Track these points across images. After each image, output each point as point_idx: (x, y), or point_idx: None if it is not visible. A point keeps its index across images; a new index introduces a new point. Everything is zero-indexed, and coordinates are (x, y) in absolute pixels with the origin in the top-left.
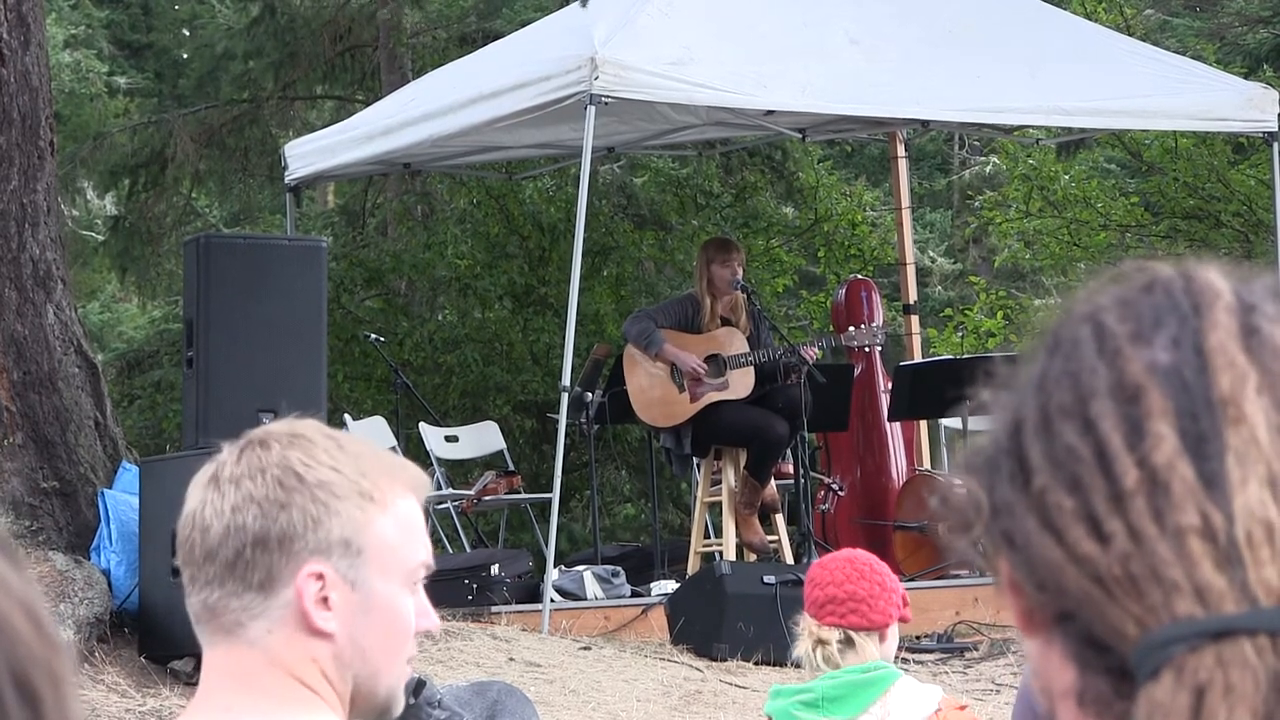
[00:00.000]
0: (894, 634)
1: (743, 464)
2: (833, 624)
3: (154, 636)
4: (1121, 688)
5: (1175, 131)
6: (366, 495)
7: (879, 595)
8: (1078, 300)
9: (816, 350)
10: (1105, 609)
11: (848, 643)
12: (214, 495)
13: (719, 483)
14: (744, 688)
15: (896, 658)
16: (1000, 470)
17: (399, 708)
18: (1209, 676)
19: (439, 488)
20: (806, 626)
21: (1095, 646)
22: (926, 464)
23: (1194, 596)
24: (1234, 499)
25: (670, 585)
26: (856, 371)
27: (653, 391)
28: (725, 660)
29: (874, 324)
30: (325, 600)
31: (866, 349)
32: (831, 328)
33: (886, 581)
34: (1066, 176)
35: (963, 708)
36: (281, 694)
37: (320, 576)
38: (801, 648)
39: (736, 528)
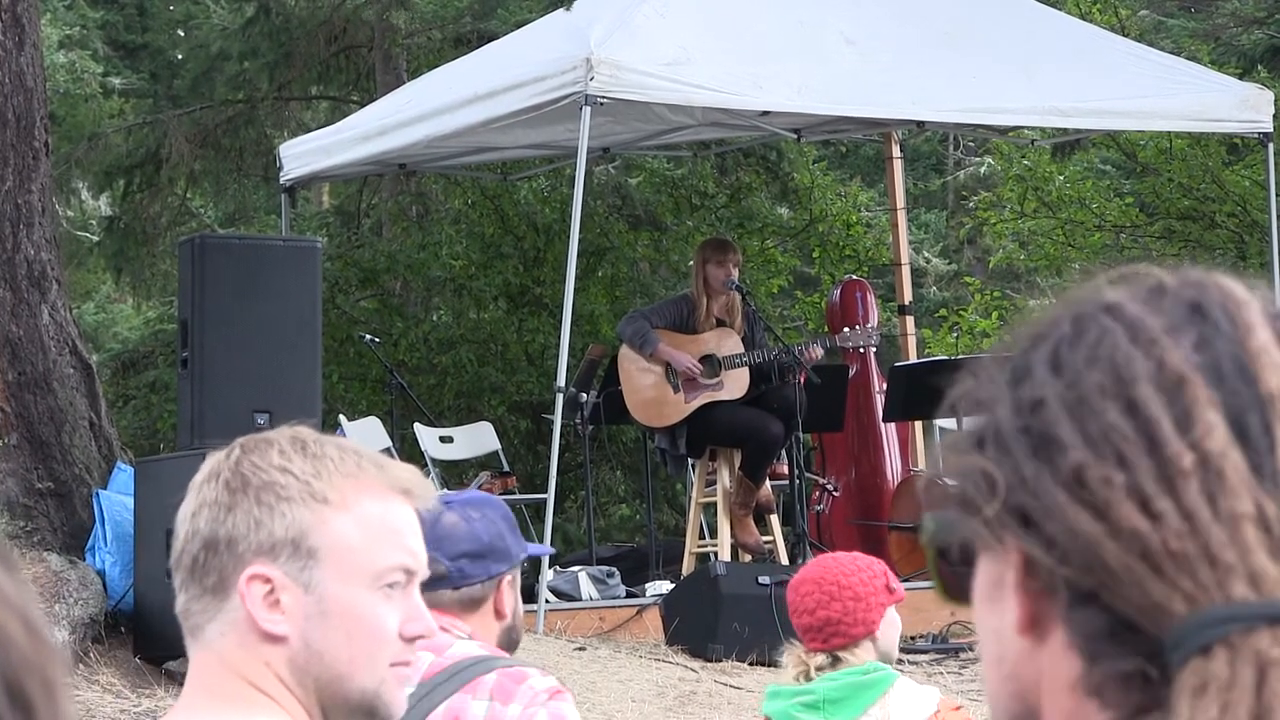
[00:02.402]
0: (888, 622)
1: (738, 464)
2: (817, 649)
3: (149, 637)
4: (1147, 671)
5: (1170, 132)
6: (319, 497)
7: (855, 609)
8: (1075, 297)
9: (819, 350)
10: (1149, 585)
11: (836, 660)
12: (184, 501)
13: (714, 483)
14: (739, 688)
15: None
16: (1012, 448)
17: (392, 710)
18: (1268, 658)
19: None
20: (794, 652)
21: (1116, 632)
22: (921, 464)
23: (1248, 580)
24: None
25: (665, 586)
26: (851, 372)
27: (648, 392)
28: (720, 661)
29: (869, 325)
30: (277, 603)
31: (861, 350)
32: (826, 328)
33: (859, 588)
34: (1061, 177)
35: (958, 708)
36: (230, 695)
37: (266, 579)
38: (789, 674)
39: (731, 528)
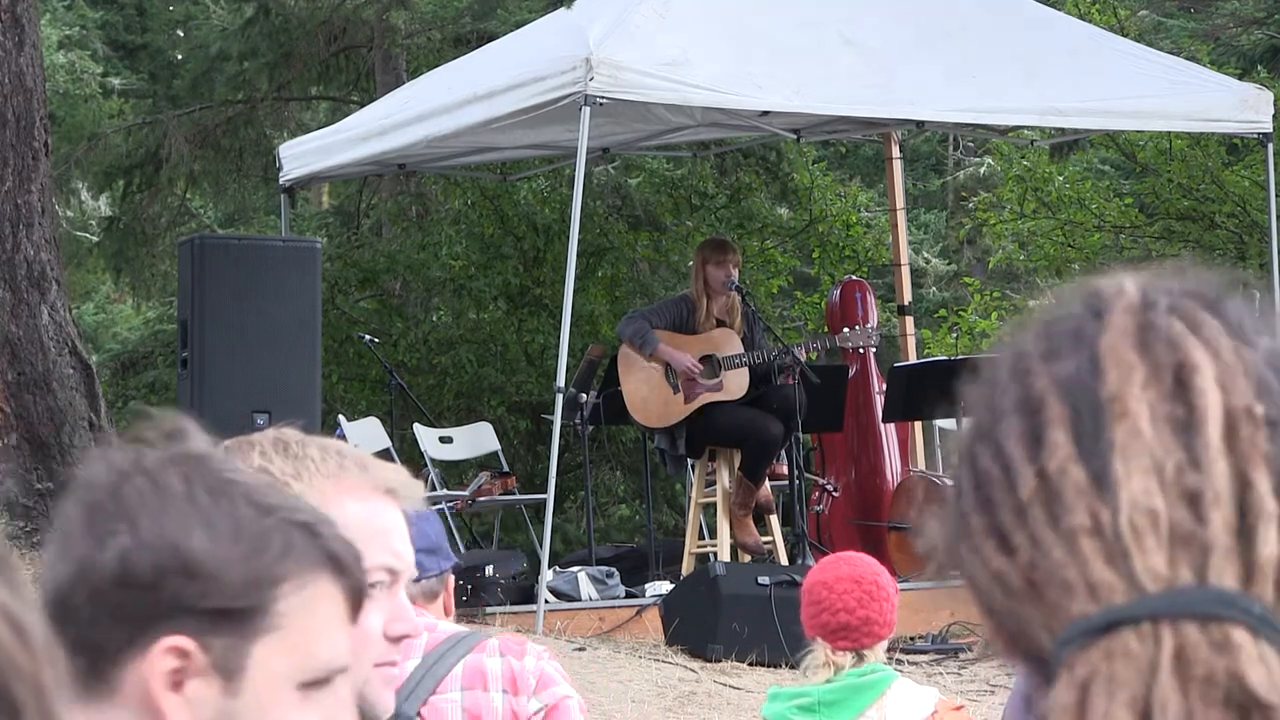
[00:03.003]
0: None
1: (737, 465)
2: (847, 648)
3: None
4: None
5: (1170, 132)
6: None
7: (887, 610)
8: (1009, 334)
9: (810, 351)
10: (1020, 620)
11: (860, 659)
12: None
13: (714, 484)
14: (738, 688)
15: (890, 659)
16: (948, 504)
17: (378, 710)
18: (1092, 671)
19: (433, 489)
20: (822, 653)
21: (1037, 670)
22: (921, 465)
23: (1087, 594)
24: (1120, 493)
25: (665, 586)
26: (851, 372)
27: (647, 392)
28: (720, 661)
29: (868, 325)
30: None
31: (861, 350)
32: (826, 329)
33: (889, 590)
34: (1061, 178)
35: (959, 708)
36: None
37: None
38: (821, 675)
39: (731, 529)
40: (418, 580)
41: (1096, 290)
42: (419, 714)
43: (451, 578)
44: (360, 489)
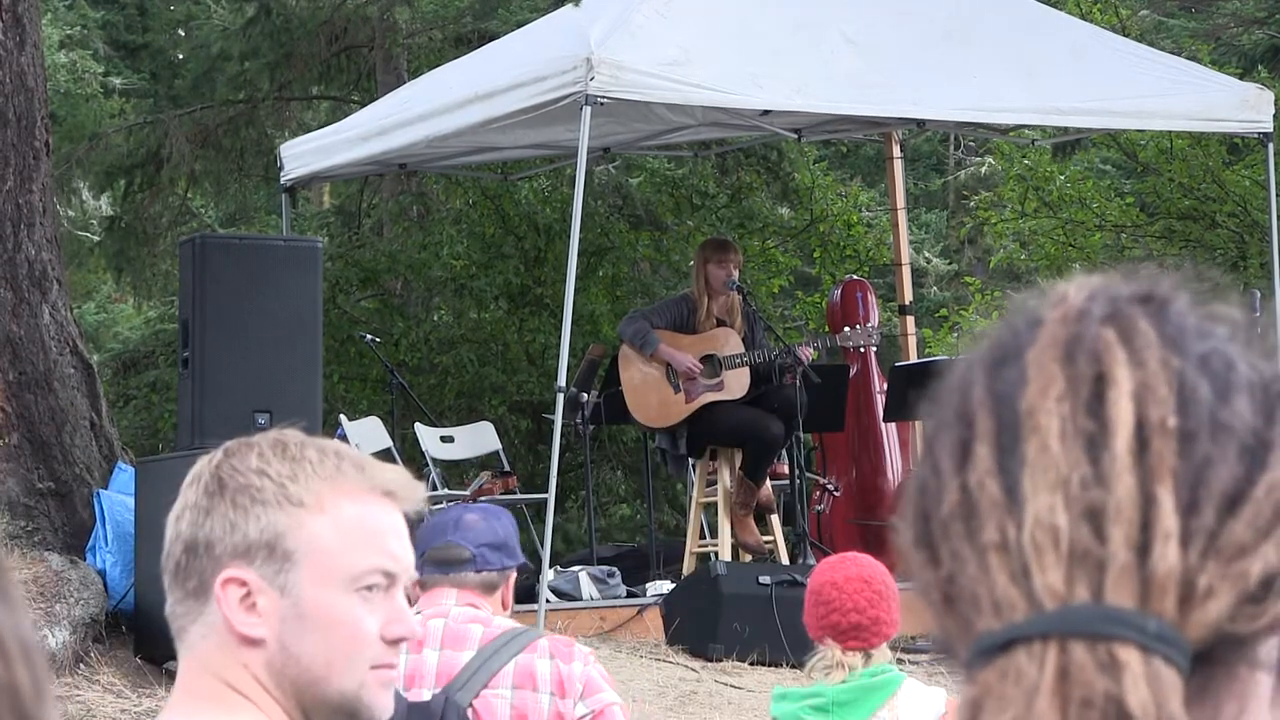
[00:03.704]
0: None
1: (738, 464)
2: (857, 648)
3: (149, 637)
4: None
5: (1171, 132)
6: (294, 500)
7: (894, 610)
8: (972, 343)
9: (812, 350)
10: (944, 632)
11: (867, 659)
12: (175, 504)
13: (714, 483)
14: (739, 688)
15: (892, 659)
16: (903, 511)
17: (374, 712)
18: (985, 690)
19: (434, 488)
20: (831, 654)
21: None
22: None
23: (993, 611)
24: (1026, 509)
25: (666, 586)
26: (852, 372)
27: (648, 392)
28: (720, 661)
29: (869, 324)
30: (254, 606)
31: (862, 349)
32: (827, 328)
33: (895, 590)
34: (1062, 177)
35: None
36: (210, 697)
37: (241, 582)
38: (835, 676)
39: (732, 528)
40: (479, 572)
41: (1043, 298)
42: (471, 706)
43: (514, 574)
44: (357, 491)
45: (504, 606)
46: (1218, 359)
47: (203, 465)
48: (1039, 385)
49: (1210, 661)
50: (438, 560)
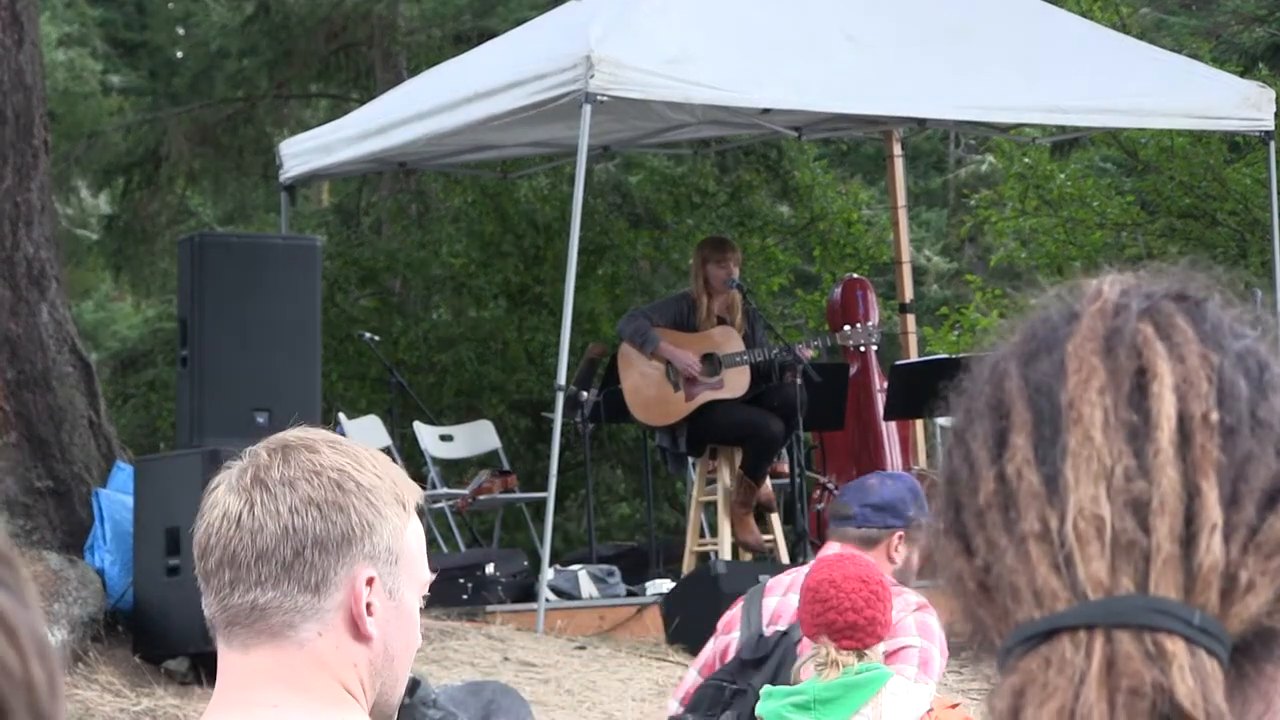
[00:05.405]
0: None
1: (738, 463)
2: (851, 648)
3: (148, 636)
4: None
5: (1171, 130)
6: (402, 503)
7: (889, 610)
8: (1000, 334)
9: (812, 350)
10: (980, 624)
11: (862, 658)
12: (263, 496)
13: (714, 482)
14: None
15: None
16: (933, 504)
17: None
18: (1028, 678)
19: (434, 487)
20: (825, 652)
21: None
22: (922, 463)
23: (1033, 600)
24: (1069, 499)
25: (665, 584)
26: (852, 371)
27: (648, 390)
28: None
29: (869, 323)
30: (370, 605)
31: (862, 348)
32: (827, 327)
33: (890, 590)
34: (1062, 175)
35: (954, 706)
36: (328, 696)
37: (372, 582)
38: (828, 675)
39: (732, 527)
40: (859, 528)
41: (1078, 291)
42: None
43: (901, 534)
44: (414, 497)
45: (890, 560)
46: (1252, 357)
47: (314, 461)
48: (1080, 377)
49: (1242, 657)
50: (833, 515)
